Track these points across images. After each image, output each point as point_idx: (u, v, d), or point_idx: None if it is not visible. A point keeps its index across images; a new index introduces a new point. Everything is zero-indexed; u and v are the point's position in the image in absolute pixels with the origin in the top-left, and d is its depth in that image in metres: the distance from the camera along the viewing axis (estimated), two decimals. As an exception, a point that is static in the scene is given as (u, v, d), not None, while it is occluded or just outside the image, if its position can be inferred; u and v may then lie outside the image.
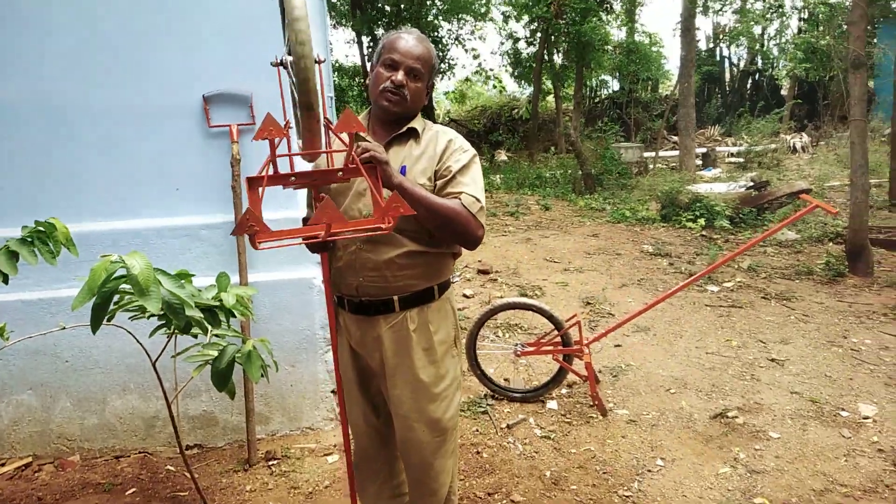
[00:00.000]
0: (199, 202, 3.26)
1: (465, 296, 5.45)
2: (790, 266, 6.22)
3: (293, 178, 1.46)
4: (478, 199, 1.83)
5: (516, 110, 20.71)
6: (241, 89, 3.21)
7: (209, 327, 2.04)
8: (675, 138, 18.84)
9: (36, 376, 3.17)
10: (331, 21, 17.53)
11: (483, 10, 18.29)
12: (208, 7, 3.13)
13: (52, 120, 3.10)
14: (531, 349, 3.64)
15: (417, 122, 1.94)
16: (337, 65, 15.21)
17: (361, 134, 1.74)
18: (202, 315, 2.03)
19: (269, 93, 3.13)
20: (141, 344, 2.14)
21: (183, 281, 2.04)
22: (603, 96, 22.45)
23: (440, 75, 17.55)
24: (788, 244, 7.02)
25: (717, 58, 22.93)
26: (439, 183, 1.85)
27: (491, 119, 21.09)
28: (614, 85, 22.35)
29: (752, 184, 9.19)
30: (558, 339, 3.60)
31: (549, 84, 19.24)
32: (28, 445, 3.23)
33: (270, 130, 1.37)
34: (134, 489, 2.94)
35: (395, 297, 1.90)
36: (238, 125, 3.24)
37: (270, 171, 1.42)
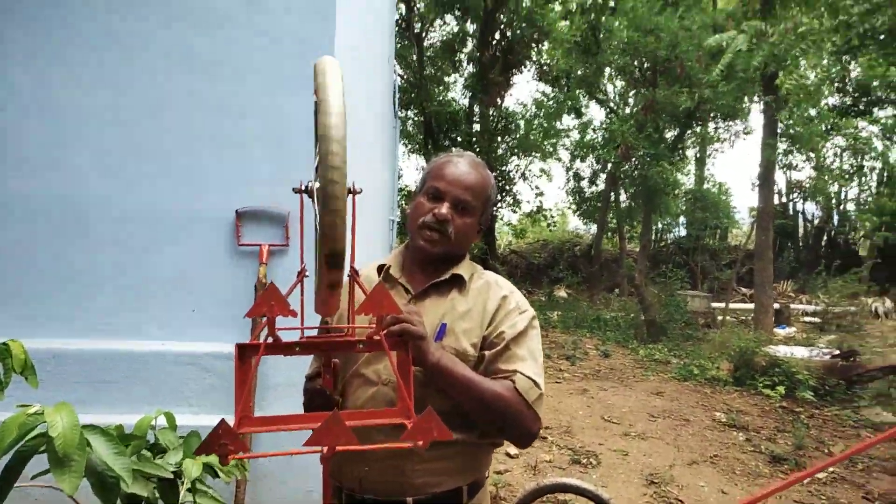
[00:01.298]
0: (214, 327, 2.89)
1: (508, 455, 4.78)
2: (893, 457, 5.29)
3: (298, 349, 1.09)
4: (536, 384, 1.40)
5: (578, 247, 20.44)
6: (277, 208, 2.91)
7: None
8: (745, 290, 18.01)
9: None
10: (403, 150, 18.14)
11: (550, 149, 18.57)
12: (254, 115, 2.91)
13: (69, 216, 2.84)
14: (582, 547, 2.94)
15: (464, 268, 1.54)
16: (405, 191, 15.44)
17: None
18: (154, 488, 1.56)
19: (308, 215, 2.81)
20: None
21: (131, 445, 1.59)
22: (668, 241, 22.00)
23: (502, 207, 17.57)
24: (887, 426, 6.08)
25: (791, 212, 22.34)
26: (488, 354, 1.43)
27: (552, 254, 20.84)
28: (680, 230, 21.94)
29: (838, 352, 8.30)
30: (617, 537, 2.90)
31: (613, 223, 19.01)
32: None
33: (271, 306, 0.98)
34: None
35: (410, 500, 1.39)
36: (269, 245, 2.91)
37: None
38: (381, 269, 1.58)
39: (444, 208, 1.46)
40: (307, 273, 1.24)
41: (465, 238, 1.52)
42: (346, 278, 1.31)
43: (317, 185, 1.06)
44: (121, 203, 2.85)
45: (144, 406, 2.76)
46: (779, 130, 11.09)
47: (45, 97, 2.82)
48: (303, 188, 1.14)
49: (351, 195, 1.15)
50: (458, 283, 1.52)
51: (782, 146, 10.84)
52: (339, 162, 0.97)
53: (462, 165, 1.51)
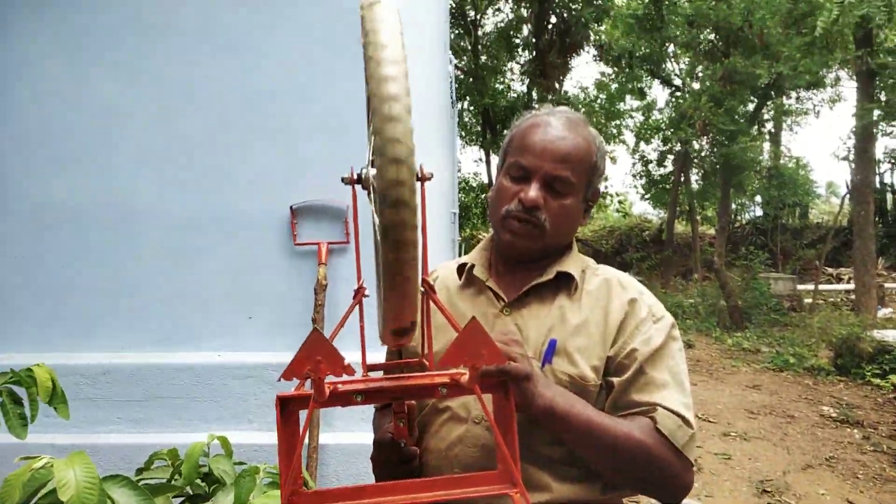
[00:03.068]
0: (272, 335, 2.64)
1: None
2: None
3: (360, 398, 0.74)
4: (686, 421, 1.01)
5: (647, 232, 19.64)
6: (335, 202, 2.62)
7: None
8: (831, 270, 16.85)
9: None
10: (460, 141, 17.81)
11: (614, 132, 17.86)
12: (306, 103, 2.62)
13: (116, 224, 2.64)
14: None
15: (573, 263, 1.17)
16: (463, 184, 15.15)
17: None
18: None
19: (364, 212, 2.52)
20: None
21: (183, 477, 1.32)
22: (744, 221, 20.88)
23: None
24: None
25: (878, 184, 20.83)
26: (617, 382, 1.06)
27: (619, 240, 20.10)
28: (756, 210, 20.80)
29: (954, 334, 7.48)
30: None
31: (684, 205, 18.17)
32: None
33: (317, 363, 0.63)
34: None
35: None
36: (329, 243, 2.63)
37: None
38: (461, 269, 1.23)
39: (534, 191, 1.09)
40: (367, 292, 0.89)
41: (567, 225, 1.16)
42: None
43: (372, 172, 0.74)
44: (169, 207, 2.64)
45: (202, 424, 2.55)
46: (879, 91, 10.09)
47: (86, 95, 2.63)
48: (354, 177, 0.80)
49: (419, 182, 0.81)
50: (566, 284, 1.15)
51: (877, 113, 9.85)
52: (403, 151, 0.63)
53: (554, 127, 1.12)
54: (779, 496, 3.85)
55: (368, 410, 2.31)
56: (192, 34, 2.63)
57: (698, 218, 17.72)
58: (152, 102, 2.63)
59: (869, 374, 6.55)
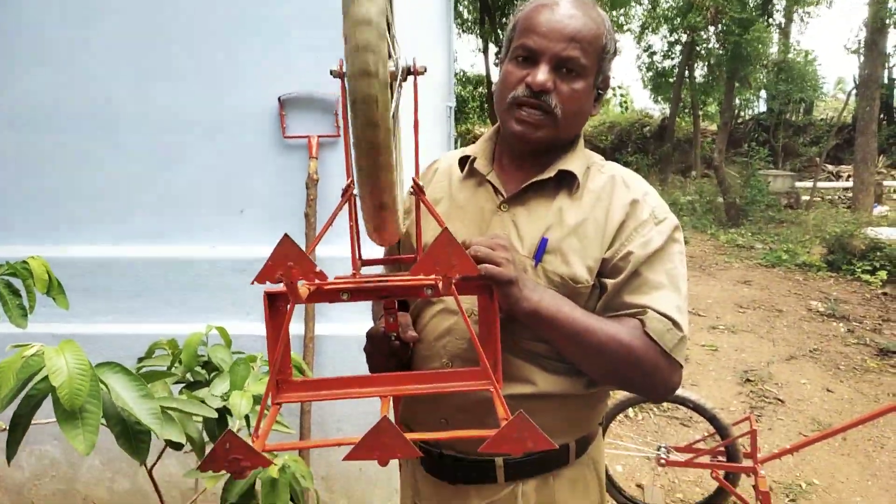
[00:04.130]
0: (266, 230, 2.61)
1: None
2: None
3: (346, 296, 0.75)
4: (676, 323, 1.01)
5: (647, 128, 19.30)
6: (325, 92, 2.52)
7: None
8: (832, 168, 16.72)
9: (59, 430, 2.63)
10: (456, 29, 17.08)
11: (622, 20, 17.10)
12: None
13: (99, 123, 2.55)
14: (681, 458, 2.66)
15: (576, 160, 1.11)
16: (461, 76, 14.64)
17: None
18: (198, 428, 1.33)
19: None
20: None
21: (151, 385, 1.33)
22: (747, 117, 20.47)
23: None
24: None
25: (886, 80, 20.25)
26: (611, 283, 1.03)
27: (619, 136, 19.79)
28: (760, 106, 20.33)
29: (948, 231, 7.53)
30: (721, 447, 2.61)
31: (687, 100, 17.74)
32: (52, 504, 2.70)
33: (288, 268, 0.65)
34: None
35: (500, 461, 1.07)
36: (319, 137, 2.56)
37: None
38: (463, 161, 1.18)
39: (543, 73, 1.02)
40: (355, 190, 0.87)
41: (579, 112, 1.08)
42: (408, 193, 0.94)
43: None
44: (154, 103, 2.53)
45: (200, 315, 2.58)
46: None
47: None
48: (342, 70, 0.77)
49: (413, 77, 0.80)
50: (568, 182, 1.10)
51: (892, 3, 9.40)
52: (372, 38, 0.61)
53: (562, 7, 1.03)
54: (761, 385, 4.00)
55: (363, 303, 2.33)
56: None
57: (700, 114, 17.36)
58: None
59: (859, 270, 6.65)
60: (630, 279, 1.03)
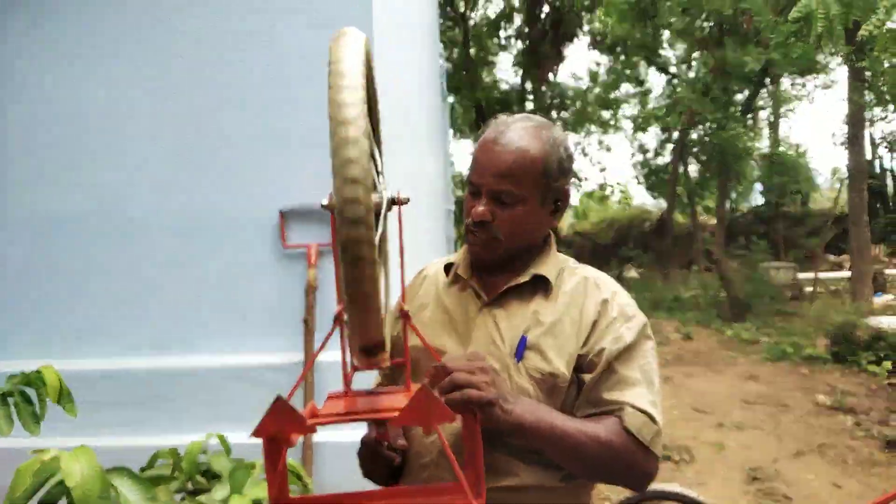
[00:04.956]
0: (267, 337, 2.72)
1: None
2: None
3: (313, 427, 0.77)
4: (651, 418, 1.10)
5: (647, 223, 19.67)
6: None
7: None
8: (833, 258, 16.85)
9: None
10: (453, 135, 17.83)
11: (611, 120, 17.83)
12: (293, 106, 2.69)
13: (108, 231, 2.72)
14: (687, 564, 2.61)
15: (549, 265, 1.23)
16: (458, 178, 15.14)
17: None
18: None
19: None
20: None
21: (181, 477, 1.40)
22: (745, 210, 20.86)
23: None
24: None
25: (879, 170, 20.77)
26: (588, 380, 1.13)
27: (619, 233, 20.13)
28: (757, 199, 20.78)
29: (951, 319, 7.52)
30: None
31: (684, 196, 18.18)
32: None
33: (282, 425, 0.73)
34: None
35: None
36: (318, 245, 2.71)
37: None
38: (448, 268, 1.31)
39: (481, 206, 1.16)
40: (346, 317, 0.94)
41: (523, 231, 1.19)
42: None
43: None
44: (161, 214, 2.71)
45: (201, 424, 2.61)
46: (867, 83, 10.13)
47: (80, 104, 2.70)
48: (333, 203, 0.82)
49: (396, 206, 0.86)
50: (543, 285, 1.21)
51: (868, 97, 9.87)
52: (359, 172, 0.65)
53: (501, 143, 1.16)
54: (769, 483, 3.93)
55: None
56: (187, 34, 2.71)
57: (699, 208, 17.75)
58: (145, 110, 2.71)
59: (864, 361, 6.60)
60: (606, 375, 1.12)
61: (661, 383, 1.17)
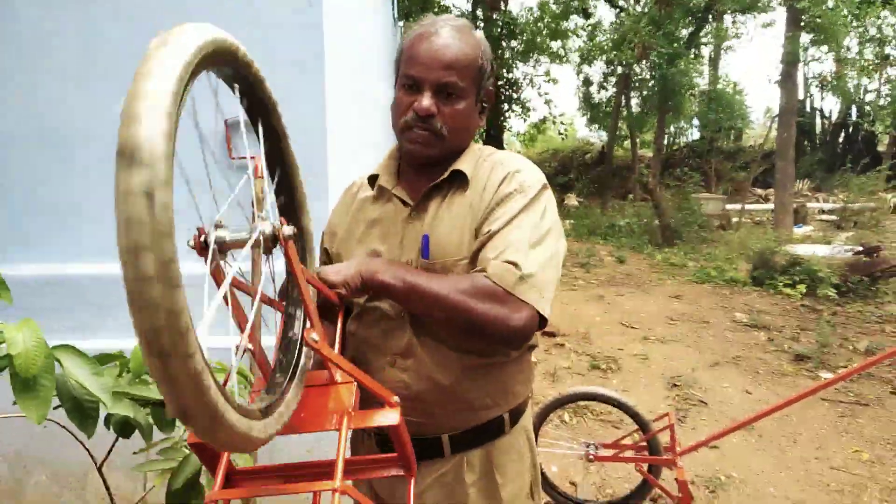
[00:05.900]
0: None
1: (526, 363, 4.70)
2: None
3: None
4: (515, 265, 1.08)
5: (589, 154, 19.99)
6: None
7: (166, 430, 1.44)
8: (760, 191, 17.65)
9: (7, 444, 2.63)
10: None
11: (560, 51, 17.74)
12: (235, 14, 2.60)
13: (48, 140, 2.62)
14: (608, 454, 2.85)
15: (467, 160, 1.24)
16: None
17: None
18: (146, 413, 1.42)
19: (306, 118, 2.56)
20: (82, 442, 1.56)
21: (132, 371, 1.44)
22: (682, 144, 21.44)
23: (510, 116, 16.91)
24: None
25: (808, 108, 21.57)
26: (475, 248, 1.18)
27: (562, 162, 20.42)
28: (693, 133, 21.35)
29: (860, 248, 8.09)
30: (643, 442, 2.81)
31: (624, 129, 18.50)
32: (-4, 521, 2.69)
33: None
34: None
35: (445, 437, 1.23)
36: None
37: None
38: (373, 180, 1.32)
39: (426, 100, 1.15)
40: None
41: (464, 128, 1.22)
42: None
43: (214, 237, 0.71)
44: (101, 126, 2.61)
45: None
46: (802, 22, 10.39)
47: (8, 18, 2.54)
48: (200, 240, 0.71)
49: (282, 244, 0.74)
50: (461, 180, 1.23)
51: (805, 39, 10.18)
52: (146, 237, 0.50)
53: (439, 37, 1.17)
54: (687, 389, 4.26)
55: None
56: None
57: (638, 141, 18.13)
58: (77, 21, 2.58)
59: (781, 284, 7.08)
60: (490, 239, 1.13)
61: (557, 246, 1.17)
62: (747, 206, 14.15)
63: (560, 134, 17.87)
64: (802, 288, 6.87)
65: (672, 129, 20.61)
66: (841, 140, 21.13)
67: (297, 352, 0.91)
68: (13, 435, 2.62)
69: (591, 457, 2.84)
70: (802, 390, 2.66)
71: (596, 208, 14.71)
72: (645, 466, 2.79)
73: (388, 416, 0.89)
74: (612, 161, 17.41)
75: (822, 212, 14.41)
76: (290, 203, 0.99)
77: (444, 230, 1.19)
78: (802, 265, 7.20)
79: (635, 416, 2.82)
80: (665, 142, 19.98)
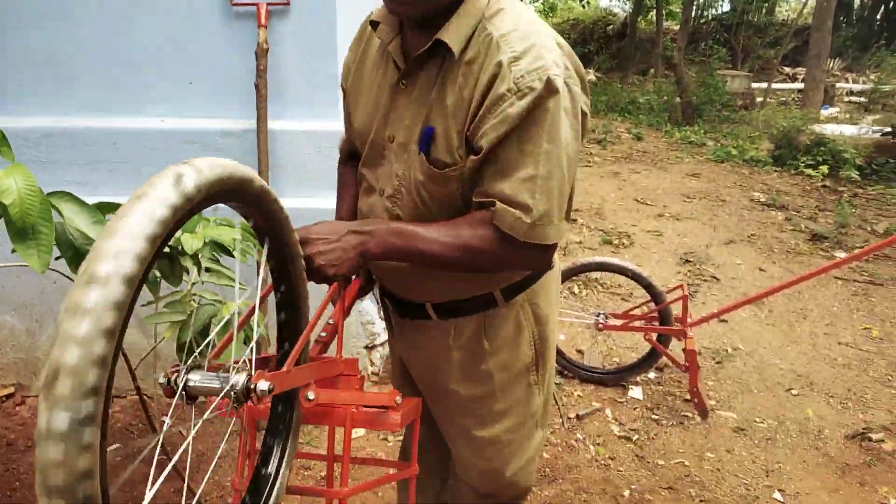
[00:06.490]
0: (217, 102, 2.60)
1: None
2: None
3: None
4: (527, 208, 0.98)
5: (611, 26, 18.96)
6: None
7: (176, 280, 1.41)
8: (788, 70, 16.82)
9: (18, 296, 2.66)
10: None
11: None
12: None
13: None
14: (617, 323, 2.86)
15: (459, 25, 1.01)
16: None
17: None
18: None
19: None
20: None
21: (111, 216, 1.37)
22: (710, 17, 20.22)
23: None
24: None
25: (848, -22, 20.07)
26: (469, 162, 1.02)
27: (582, 34, 19.41)
28: (724, 5, 20.08)
29: (889, 129, 7.78)
30: (654, 312, 2.81)
31: (649, 1, 17.39)
32: (12, 373, 2.77)
33: None
34: (118, 444, 2.43)
35: (429, 305, 1.22)
36: (268, 4, 2.50)
37: None
38: (375, 25, 1.14)
39: None
40: None
41: None
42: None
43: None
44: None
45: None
46: None
47: None
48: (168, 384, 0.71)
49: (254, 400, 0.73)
50: (443, 52, 1.02)
51: None
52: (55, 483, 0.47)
53: None
54: (699, 265, 4.24)
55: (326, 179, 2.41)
56: None
57: (664, 13, 17.07)
58: None
59: (802, 164, 6.88)
60: (488, 160, 1.00)
61: (568, 159, 1.02)
62: (774, 86, 13.53)
63: (581, 3, 16.82)
64: (825, 169, 6.68)
65: (701, 0, 19.37)
66: (879, 15, 19.84)
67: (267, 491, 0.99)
68: (24, 288, 2.64)
69: (601, 325, 2.85)
70: (816, 268, 2.60)
71: (615, 83, 14.12)
72: (654, 336, 2.80)
73: (390, 419, 1.03)
74: (636, 34, 16.52)
75: (851, 93, 13.80)
76: (292, 323, 1.02)
77: (437, 120, 1.04)
78: (827, 145, 6.96)
79: (648, 287, 2.80)
80: (692, 14, 18.87)
